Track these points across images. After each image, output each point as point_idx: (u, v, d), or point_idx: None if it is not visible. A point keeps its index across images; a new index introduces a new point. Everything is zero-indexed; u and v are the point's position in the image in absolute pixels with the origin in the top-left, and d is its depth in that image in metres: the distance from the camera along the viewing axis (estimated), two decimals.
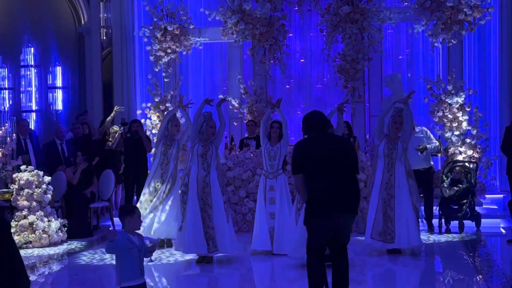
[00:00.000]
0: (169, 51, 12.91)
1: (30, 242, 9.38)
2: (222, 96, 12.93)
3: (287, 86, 14.01)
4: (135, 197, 11.03)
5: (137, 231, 5.09)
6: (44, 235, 9.45)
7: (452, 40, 12.05)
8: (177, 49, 12.95)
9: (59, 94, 14.53)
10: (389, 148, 8.54)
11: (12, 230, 9.43)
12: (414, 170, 8.87)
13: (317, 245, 5.67)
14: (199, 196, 8.02)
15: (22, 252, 9.00)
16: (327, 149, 5.68)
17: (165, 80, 13.17)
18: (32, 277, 7.74)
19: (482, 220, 10.26)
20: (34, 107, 14.55)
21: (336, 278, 5.74)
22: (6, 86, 14.49)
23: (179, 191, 8.45)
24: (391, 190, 8.43)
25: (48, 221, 9.60)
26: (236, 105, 12.85)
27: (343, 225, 5.68)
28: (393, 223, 8.35)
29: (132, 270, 5.03)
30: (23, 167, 9.67)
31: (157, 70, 13.07)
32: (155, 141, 9.46)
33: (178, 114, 10.75)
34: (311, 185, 5.64)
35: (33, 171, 9.68)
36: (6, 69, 14.49)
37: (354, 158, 5.81)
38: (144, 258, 5.11)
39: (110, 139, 12.02)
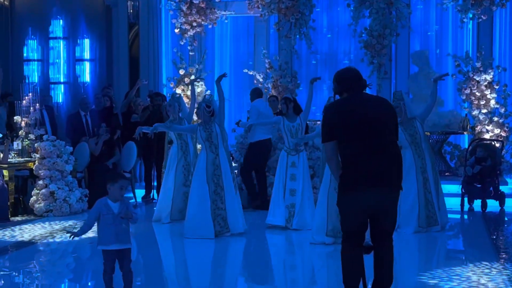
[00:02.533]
0: (194, 24, 12.74)
1: (51, 210, 9.40)
2: (247, 70, 12.84)
3: (313, 62, 13.78)
4: (155, 169, 11.01)
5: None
6: (65, 204, 9.46)
7: (482, 16, 11.68)
8: (202, 23, 12.79)
9: (86, 67, 14.54)
10: (410, 135, 8.29)
11: (34, 199, 9.47)
12: None
13: (351, 228, 4.72)
14: (210, 179, 7.88)
15: (44, 221, 9.12)
16: (363, 114, 4.68)
17: (190, 53, 13.02)
18: (52, 245, 7.75)
19: (508, 200, 9.99)
20: (62, 79, 14.59)
21: (377, 273, 4.81)
22: (35, 58, 14.56)
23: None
24: (425, 174, 8.24)
25: (69, 190, 9.59)
26: (261, 80, 12.67)
27: (383, 204, 4.70)
28: (433, 205, 8.16)
29: (106, 235, 5.11)
30: (45, 137, 9.66)
31: (182, 43, 12.92)
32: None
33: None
34: (343, 157, 4.71)
35: (55, 141, 9.66)
36: (35, 40, 14.55)
37: (395, 123, 4.85)
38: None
39: (136, 112, 11.92)
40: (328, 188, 7.43)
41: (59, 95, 14.58)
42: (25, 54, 14.58)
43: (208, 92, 11.87)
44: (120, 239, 5.13)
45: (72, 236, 5.18)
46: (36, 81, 13.73)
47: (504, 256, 7.10)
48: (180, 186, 9.09)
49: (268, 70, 12.65)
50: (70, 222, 9.02)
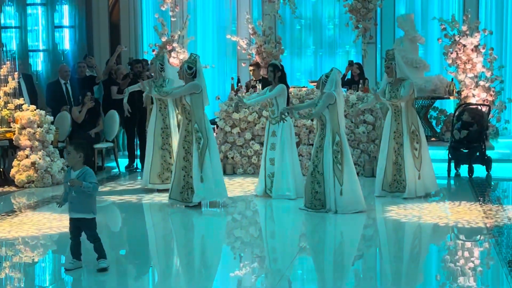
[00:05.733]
0: None
1: (33, 181, 9.25)
2: (230, 36, 12.65)
3: (297, 27, 13.63)
4: (137, 138, 10.91)
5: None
6: (47, 175, 9.32)
7: None
8: None
9: (66, 34, 14.27)
10: (393, 96, 8.25)
11: (15, 170, 9.30)
12: None
13: None
14: (180, 145, 7.80)
15: (25, 192, 8.99)
16: None
17: (172, 19, 12.78)
18: (34, 217, 7.64)
19: (494, 165, 10.01)
20: (41, 47, 14.32)
21: None
22: (13, 25, 14.25)
23: None
24: (400, 139, 8.20)
25: (51, 160, 9.44)
26: (244, 46, 12.48)
27: None
28: (404, 171, 8.21)
29: (68, 203, 5.30)
30: (25, 106, 9.47)
31: (164, 9, 12.66)
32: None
33: None
34: None
35: (34, 110, 9.49)
36: (12, 7, 14.22)
37: None
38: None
39: (118, 80, 11.74)
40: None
41: (38, 63, 14.33)
42: (2, 21, 14.24)
43: None
44: (72, 208, 5.24)
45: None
46: (15, 48, 13.45)
47: (490, 222, 7.12)
48: (157, 149, 8.92)
49: (251, 36, 12.46)
50: (53, 193, 8.92)
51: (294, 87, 10.50)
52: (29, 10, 14.26)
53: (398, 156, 8.25)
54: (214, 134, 9.39)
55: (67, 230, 7.23)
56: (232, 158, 10.24)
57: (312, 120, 9.88)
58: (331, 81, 7.49)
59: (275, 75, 8.40)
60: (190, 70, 7.76)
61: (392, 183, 8.30)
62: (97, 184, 5.31)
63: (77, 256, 5.41)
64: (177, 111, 8.81)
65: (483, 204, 8.09)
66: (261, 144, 9.77)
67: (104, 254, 5.37)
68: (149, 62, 9.53)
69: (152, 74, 9.16)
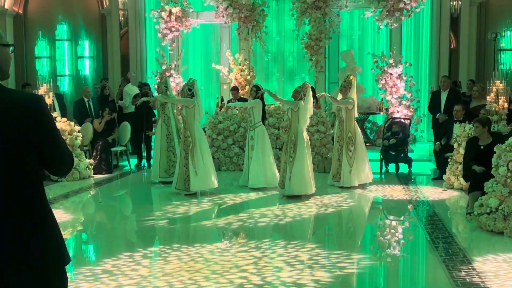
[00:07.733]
0: (173, 29, 12.60)
1: (64, 176, 9.27)
2: (214, 65, 12.80)
3: (265, 59, 13.81)
4: (143, 142, 10.98)
5: None
6: (75, 171, 9.36)
7: (394, 24, 11.88)
8: (179, 28, 12.66)
9: (86, 62, 14.27)
10: (337, 110, 8.55)
11: None
12: None
13: None
14: (182, 148, 7.90)
15: (58, 185, 9.01)
16: None
17: (170, 52, 12.90)
18: (66, 204, 7.67)
19: (413, 163, 10.30)
20: (67, 72, 14.30)
21: None
22: (45, 56, 14.22)
23: None
24: (342, 142, 8.47)
25: (79, 160, 9.49)
26: (226, 73, 12.67)
27: None
28: (344, 166, 8.46)
29: None
30: (58, 119, 9.51)
31: (164, 44, 12.78)
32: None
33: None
34: None
35: (66, 121, 9.52)
36: (44, 41, 14.20)
37: None
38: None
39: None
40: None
41: (64, 85, 14.31)
42: (36, 53, 14.22)
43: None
44: None
45: None
46: (46, 74, 13.42)
47: (411, 205, 7.42)
48: (164, 151, 9.03)
49: (231, 65, 12.65)
50: (81, 185, 8.96)
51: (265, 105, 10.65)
52: (58, 44, 14.25)
53: (340, 155, 8.51)
54: None
55: (91, 214, 7.37)
56: (218, 158, 10.38)
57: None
58: (307, 96, 7.67)
59: (257, 93, 8.56)
60: (190, 91, 7.91)
61: (335, 175, 8.58)
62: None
63: None
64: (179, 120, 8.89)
65: (405, 190, 8.42)
66: (240, 147, 9.92)
67: None
68: (156, 86, 9.63)
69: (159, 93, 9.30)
